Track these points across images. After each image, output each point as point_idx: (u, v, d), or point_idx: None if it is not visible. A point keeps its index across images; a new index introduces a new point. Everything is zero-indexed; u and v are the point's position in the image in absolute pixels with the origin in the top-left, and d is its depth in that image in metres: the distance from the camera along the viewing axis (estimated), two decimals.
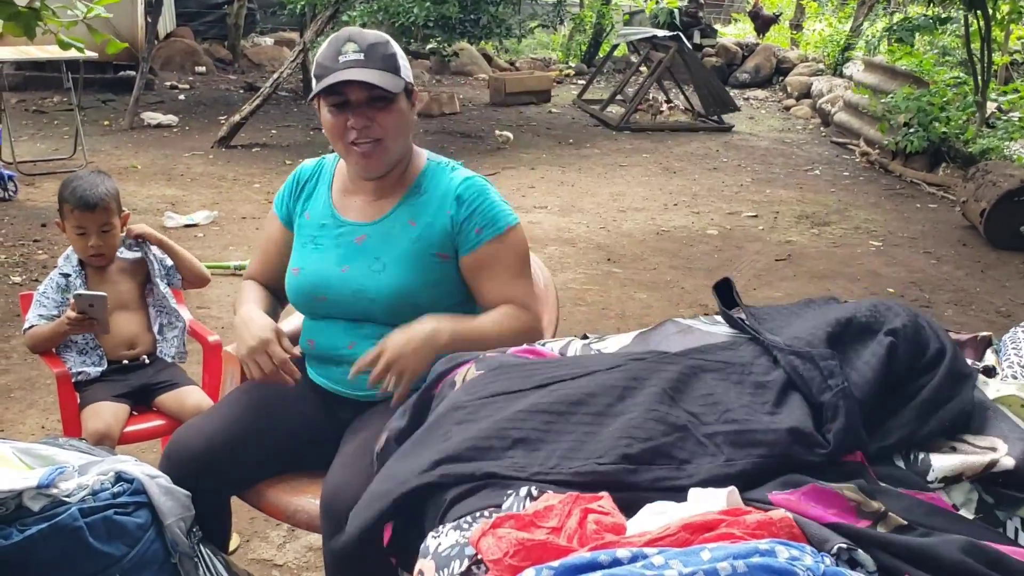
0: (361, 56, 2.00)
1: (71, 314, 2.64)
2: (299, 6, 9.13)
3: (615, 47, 13.92)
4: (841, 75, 13.13)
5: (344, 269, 2.14)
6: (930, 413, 1.39)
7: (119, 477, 1.98)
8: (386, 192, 2.17)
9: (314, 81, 2.07)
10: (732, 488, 1.23)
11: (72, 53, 4.84)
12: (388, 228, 2.14)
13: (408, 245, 2.11)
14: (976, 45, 8.66)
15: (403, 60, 2.09)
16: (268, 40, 14.72)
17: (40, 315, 2.77)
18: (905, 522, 1.20)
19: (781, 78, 14.47)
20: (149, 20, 10.16)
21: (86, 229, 2.77)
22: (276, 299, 2.36)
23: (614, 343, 1.75)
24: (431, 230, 2.12)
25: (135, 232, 2.89)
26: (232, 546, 2.85)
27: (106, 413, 2.66)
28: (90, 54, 5.56)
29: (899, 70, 9.96)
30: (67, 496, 1.88)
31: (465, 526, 1.26)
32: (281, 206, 2.32)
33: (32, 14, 4.65)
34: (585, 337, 1.97)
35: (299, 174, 2.32)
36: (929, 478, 1.34)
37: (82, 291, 2.67)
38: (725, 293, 1.81)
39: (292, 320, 2.53)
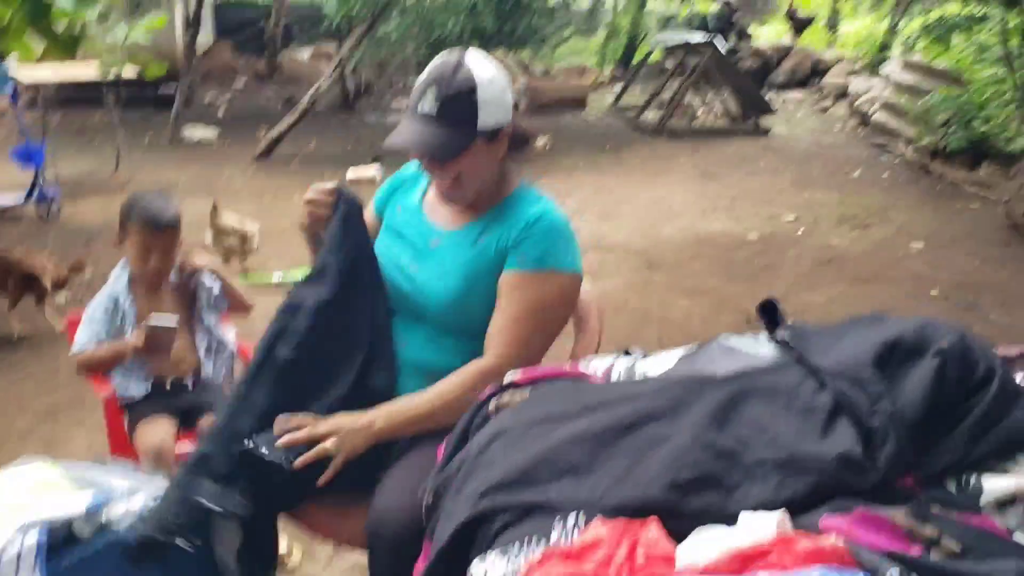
0: (433, 111, 2.05)
1: (136, 343, 2.67)
2: (336, 20, 9.21)
3: (650, 52, 13.88)
4: (878, 75, 12.98)
5: (413, 267, 2.21)
6: (981, 435, 1.37)
7: None
8: (472, 208, 2.22)
9: None
10: (782, 513, 1.22)
11: (112, 76, 4.92)
12: (460, 239, 2.19)
13: (471, 259, 2.15)
14: (1014, 42, 8.53)
15: (489, 103, 2.07)
16: (306, 53, 14.86)
17: (90, 338, 2.80)
18: (958, 549, 1.18)
19: (818, 79, 14.35)
20: (188, 36, 10.30)
21: (150, 249, 2.80)
22: None
23: (659, 364, 1.74)
24: (494, 248, 2.14)
25: (193, 267, 2.91)
26: (294, 560, 2.89)
27: (160, 429, 2.69)
28: (129, 73, 5.65)
29: (937, 69, 9.86)
30: (115, 522, 1.91)
31: (513, 553, 1.26)
32: (379, 197, 2.42)
33: (73, 40, 4.75)
34: (628, 352, 1.96)
35: (403, 171, 2.42)
36: (982, 502, 1.33)
37: (155, 321, 2.67)
38: (770, 312, 1.80)
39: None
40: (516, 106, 2.20)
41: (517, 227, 2.14)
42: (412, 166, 2.40)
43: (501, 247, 2.14)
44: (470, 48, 2.17)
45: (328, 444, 1.97)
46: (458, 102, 2.04)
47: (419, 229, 2.27)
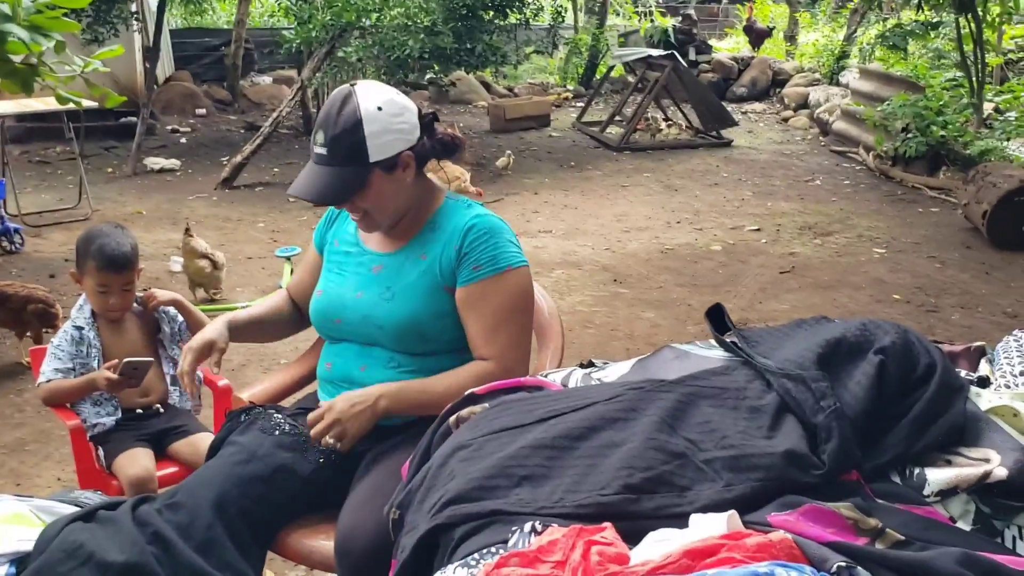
0: (324, 151, 2.09)
1: (111, 376, 2.66)
2: (295, 45, 9.22)
3: (611, 68, 14.01)
4: (837, 84, 13.18)
5: (359, 295, 2.23)
6: (923, 428, 1.41)
7: None
8: (404, 229, 2.26)
9: None
10: (732, 512, 1.26)
11: (71, 107, 4.91)
12: (402, 260, 2.23)
13: (417, 277, 2.19)
14: (969, 47, 8.70)
15: (380, 134, 2.08)
16: (267, 79, 14.84)
17: (56, 368, 2.79)
18: (903, 537, 1.22)
19: (778, 90, 14.53)
20: (147, 66, 10.27)
21: (109, 288, 2.79)
22: (297, 311, 2.50)
23: (614, 371, 1.77)
24: (438, 263, 2.19)
25: (157, 303, 2.88)
26: None
27: (142, 458, 2.70)
28: (89, 104, 5.64)
29: (894, 76, 10.02)
30: None
31: (472, 563, 1.28)
32: (317, 233, 2.46)
33: (29, 70, 4.71)
34: (588, 365, 2.00)
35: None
36: (925, 492, 1.37)
37: (131, 358, 2.67)
38: (718, 318, 1.83)
39: (306, 358, 2.63)
40: (428, 118, 2.21)
41: (455, 240, 2.19)
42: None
43: (446, 263, 2.18)
44: (361, 81, 2.19)
45: (330, 438, 2.06)
46: (344, 140, 2.07)
47: (359, 259, 2.30)
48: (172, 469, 2.79)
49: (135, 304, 2.91)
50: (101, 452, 2.80)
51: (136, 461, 2.69)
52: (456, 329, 2.20)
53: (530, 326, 2.28)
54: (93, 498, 2.21)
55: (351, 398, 2.09)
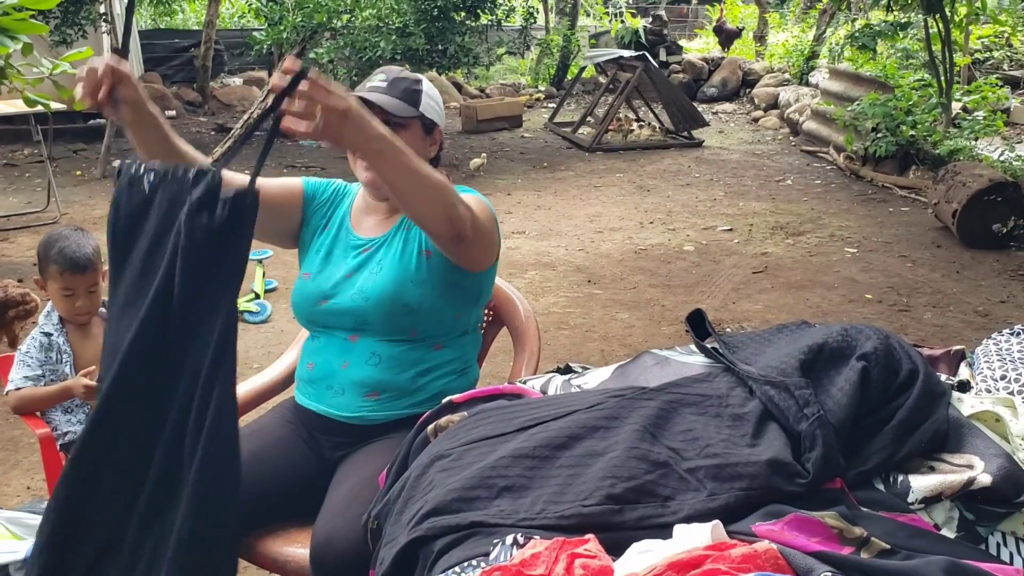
0: (384, 84, 2.21)
1: (88, 382, 2.62)
2: (266, 46, 9.15)
3: (583, 69, 14.03)
4: (807, 84, 13.27)
5: (349, 275, 2.25)
6: (906, 435, 1.41)
7: None
8: (396, 212, 2.31)
9: None
10: (716, 522, 1.24)
11: (39, 109, 4.83)
12: (389, 237, 2.28)
13: (400, 247, 2.23)
14: (937, 47, 8.77)
15: (430, 99, 2.26)
16: (237, 80, 14.74)
17: (25, 376, 2.74)
18: (888, 546, 1.21)
19: (748, 90, 14.59)
20: None
21: (74, 291, 2.75)
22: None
23: (594, 378, 1.76)
24: (416, 235, 2.24)
25: None
26: None
27: None
28: (58, 106, 5.56)
29: (864, 76, 10.09)
30: None
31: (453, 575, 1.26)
32: (312, 186, 2.41)
33: None
34: (566, 370, 1.98)
35: (338, 186, 2.46)
36: (909, 500, 1.36)
37: None
38: (698, 322, 1.82)
39: (280, 362, 2.59)
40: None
41: None
42: (343, 185, 2.46)
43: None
44: None
45: (294, 118, 1.68)
46: (404, 83, 2.23)
47: (347, 243, 2.32)
48: None
49: (102, 308, 2.87)
50: None
51: None
52: (440, 298, 2.20)
53: (490, 242, 2.21)
54: None
55: (364, 122, 1.71)
